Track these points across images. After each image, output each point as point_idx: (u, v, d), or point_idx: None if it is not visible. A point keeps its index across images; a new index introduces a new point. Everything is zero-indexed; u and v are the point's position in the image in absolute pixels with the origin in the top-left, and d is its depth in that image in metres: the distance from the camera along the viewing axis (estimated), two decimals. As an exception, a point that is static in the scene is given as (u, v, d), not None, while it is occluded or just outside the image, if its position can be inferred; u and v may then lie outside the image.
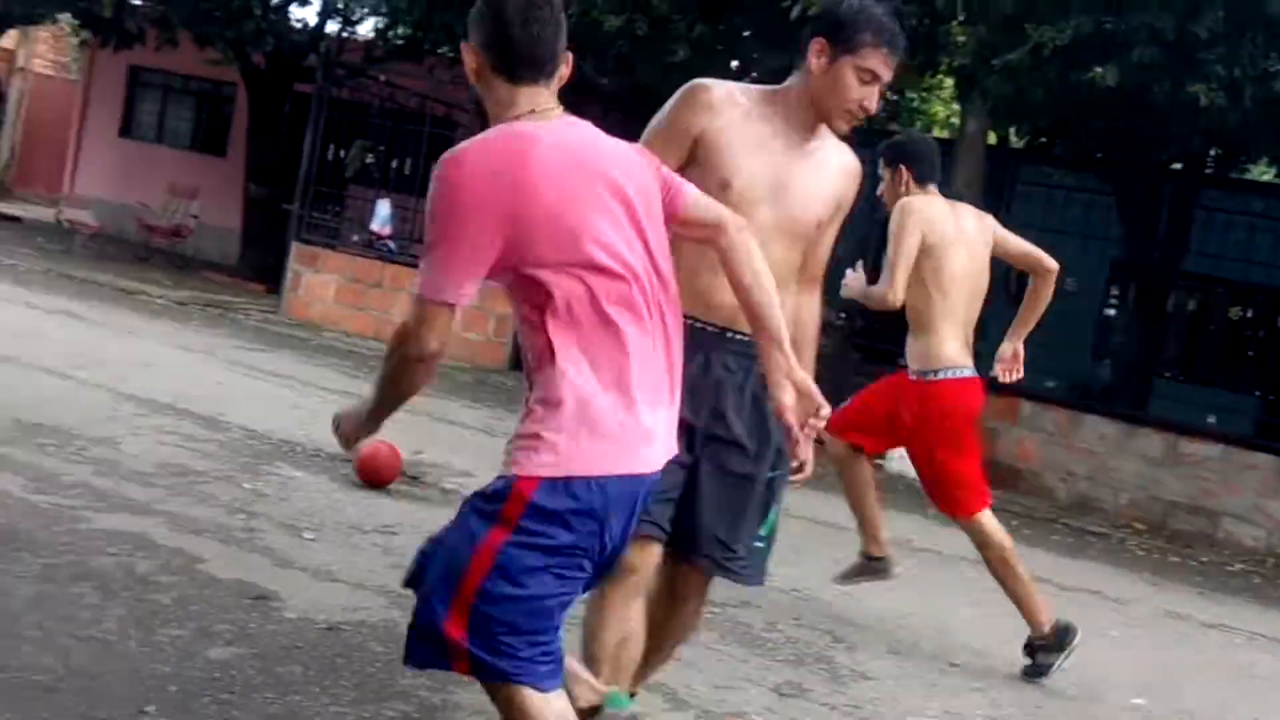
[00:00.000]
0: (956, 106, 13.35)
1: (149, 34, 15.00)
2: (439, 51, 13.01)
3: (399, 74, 13.75)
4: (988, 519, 4.61)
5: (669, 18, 10.04)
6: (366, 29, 15.33)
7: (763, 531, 2.96)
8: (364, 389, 2.47)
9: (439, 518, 5.24)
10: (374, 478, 5.60)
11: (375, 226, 13.51)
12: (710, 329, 2.83)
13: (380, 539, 4.79)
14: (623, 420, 2.22)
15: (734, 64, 11.66)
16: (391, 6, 12.80)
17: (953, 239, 4.50)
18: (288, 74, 15.20)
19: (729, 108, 2.84)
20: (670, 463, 2.39)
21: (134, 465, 5.15)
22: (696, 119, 2.83)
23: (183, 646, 3.26)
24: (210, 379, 7.96)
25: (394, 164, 12.97)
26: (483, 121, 2.41)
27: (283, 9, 14.47)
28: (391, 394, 2.30)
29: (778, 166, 2.85)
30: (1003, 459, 9.72)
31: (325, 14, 14.89)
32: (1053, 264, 4.66)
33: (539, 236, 2.17)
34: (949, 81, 12.40)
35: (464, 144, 2.22)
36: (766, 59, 11.33)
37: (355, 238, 13.49)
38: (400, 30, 12.77)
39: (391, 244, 13.56)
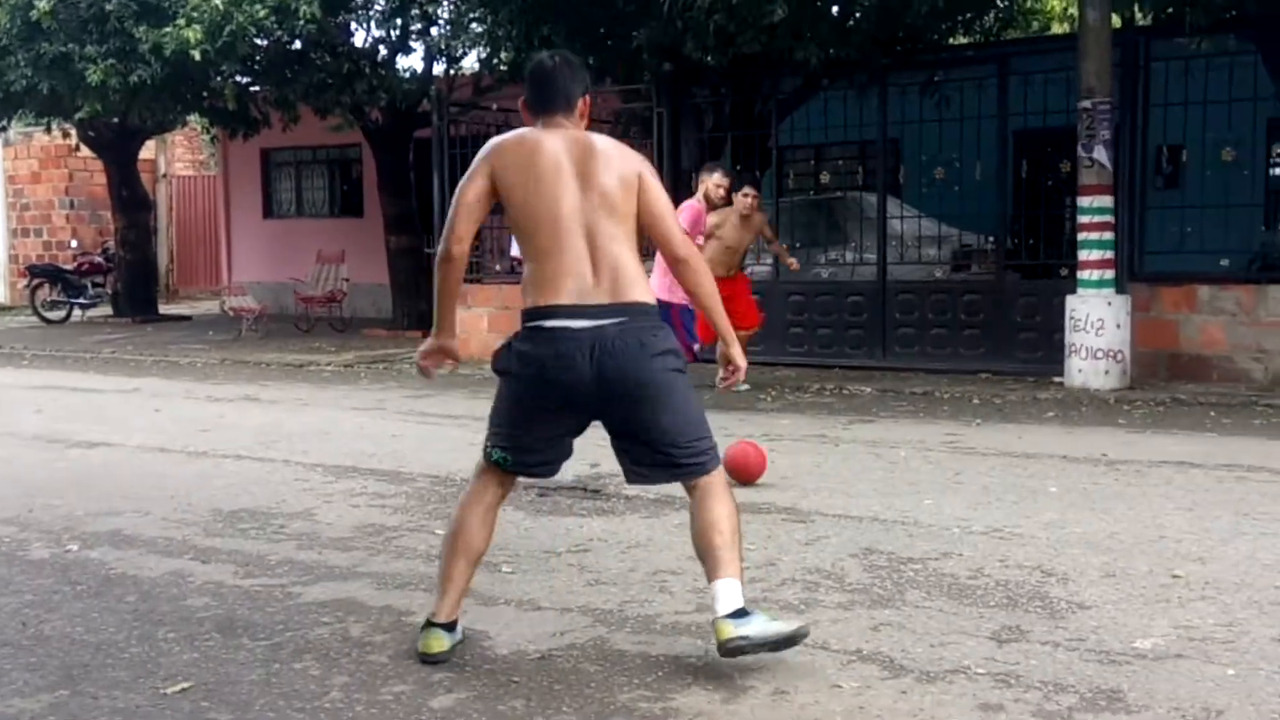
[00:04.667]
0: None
1: (273, 116, 15.58)
2: (548, 67, 13.12)
3: (510, 98, 13.92)
4: None
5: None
6: (471, 61, 15.58)
7: None
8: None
9: (628, 526, 5.33)
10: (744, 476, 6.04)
11: (515, 252, 13.73)
12: None
13: (574, 558, 4.87)
14: None
15: (834, 10, 11.45)
16: (490, 35, 12.96)
17: None
18: (406, 124, 15.58)
19: None
20: None
21: (332, 533, 5.35)
22: None
23: (407, 701, 3.36)
24: (386, 434, 8.21)
25: (521, 187, 13.20)
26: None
27: (389, 63, 14.82)
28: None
29: None
30: (1187, 350, 9.31)
31: (430, 58, 15.18)
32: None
33: None
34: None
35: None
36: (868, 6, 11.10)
37: (497, 267, 13.74)
38: (504, 56, 12.92)
39: (534, 265, 13.74)
